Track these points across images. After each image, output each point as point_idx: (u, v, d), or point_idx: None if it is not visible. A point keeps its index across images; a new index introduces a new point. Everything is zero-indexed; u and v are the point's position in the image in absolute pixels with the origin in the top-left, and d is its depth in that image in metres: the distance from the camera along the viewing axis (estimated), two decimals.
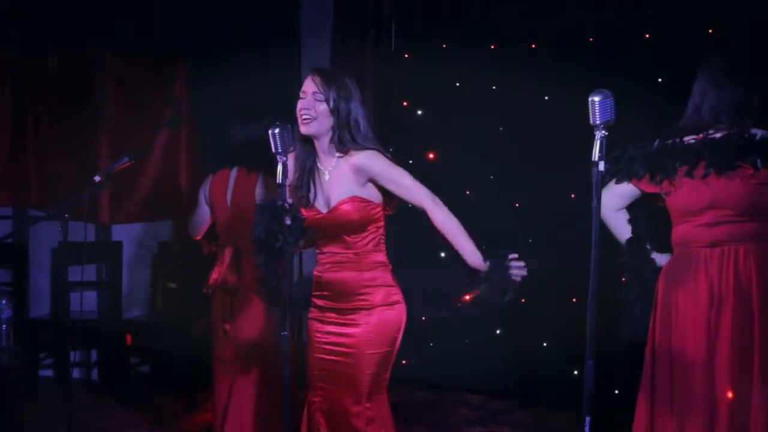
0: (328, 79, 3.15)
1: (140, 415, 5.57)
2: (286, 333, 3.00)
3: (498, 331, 6.11)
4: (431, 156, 6.29)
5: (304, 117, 3.13)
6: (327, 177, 3.19)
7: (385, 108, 6.52)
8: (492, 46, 6.01)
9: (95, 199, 6.07)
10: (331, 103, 3.11)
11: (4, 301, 4.10)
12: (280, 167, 2.98)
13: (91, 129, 6.31)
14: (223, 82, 5.92)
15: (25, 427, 4.20)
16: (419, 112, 6.37)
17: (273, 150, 2.97)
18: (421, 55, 6.32)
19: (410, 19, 6.46)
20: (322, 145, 3.19)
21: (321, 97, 3.12)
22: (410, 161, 6.25)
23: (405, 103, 6.41)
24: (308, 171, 3.22)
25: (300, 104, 3.15)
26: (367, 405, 3.15)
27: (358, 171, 3.13)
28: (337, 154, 3.17)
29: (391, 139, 6.17)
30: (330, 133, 3.15)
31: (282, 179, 2.99)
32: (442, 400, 5.98)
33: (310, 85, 3.15)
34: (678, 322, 3.05)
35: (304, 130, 3.15)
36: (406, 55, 6.45)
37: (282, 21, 6.88)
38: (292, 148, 3.01)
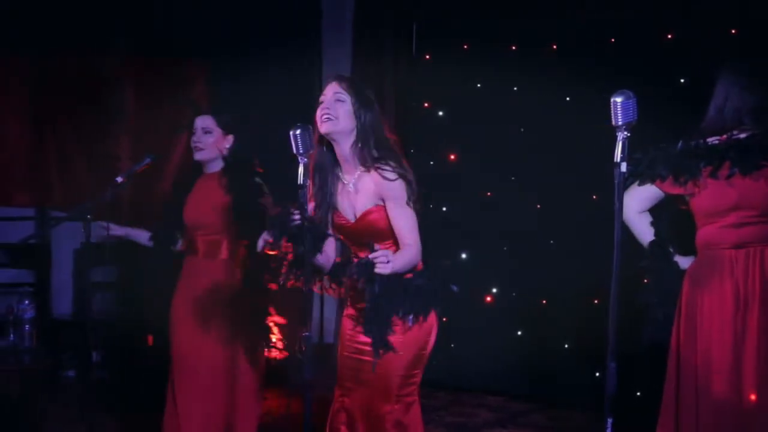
0: (352, 84, 3.14)
1: (161, 416, 5.57)
2: (308, 333, 2.99)
3: (519, 333, 6.09)
4: (452, 157, 6.28)
5: (324, 116, 3.09)
6: (351, 188, 3.17)
7: (405, 109, 6.52)
8: (513, 48, 6.00)
9: (117, 200, 6.09)
10: (355, 105, 3.09)
11: (26, 302, 4.14)
12: (301, 168, 2.90)
13: (111, 130, 6.34)
14: (243, 84, 5.93)
15: (46, 426, 4.22)
16: (440, 114, 6.35)
17: (294, 151, 2.90)
18: (441, 56, 6.31)
19: (431, 21, 6.46)
20: (343, 151, 3.15)
21: (343, 97, 3.10)
22: (431, 162, 6.25)
23: (426, 105, 6.40)
24: (329, 181, 3.21)
25: (320, 107, 3.12)
26: (396, 406, 3.16)
27: (379, 190, 3.10)
28: (360, 168, 3.15)
29: (412, 140, 6.17)
30: (353, 138, 3.11)
31: (303, 181, 2.91)
32: (462, 401, 5.96)
33: (331, 88, 3.12)
34: (703, 325, 3.02)
35: (324, 128, 3.10)
36: (427, 57, 6.44)
37: (302, 23, 6.90)
38: (312, 150, 2.95)
